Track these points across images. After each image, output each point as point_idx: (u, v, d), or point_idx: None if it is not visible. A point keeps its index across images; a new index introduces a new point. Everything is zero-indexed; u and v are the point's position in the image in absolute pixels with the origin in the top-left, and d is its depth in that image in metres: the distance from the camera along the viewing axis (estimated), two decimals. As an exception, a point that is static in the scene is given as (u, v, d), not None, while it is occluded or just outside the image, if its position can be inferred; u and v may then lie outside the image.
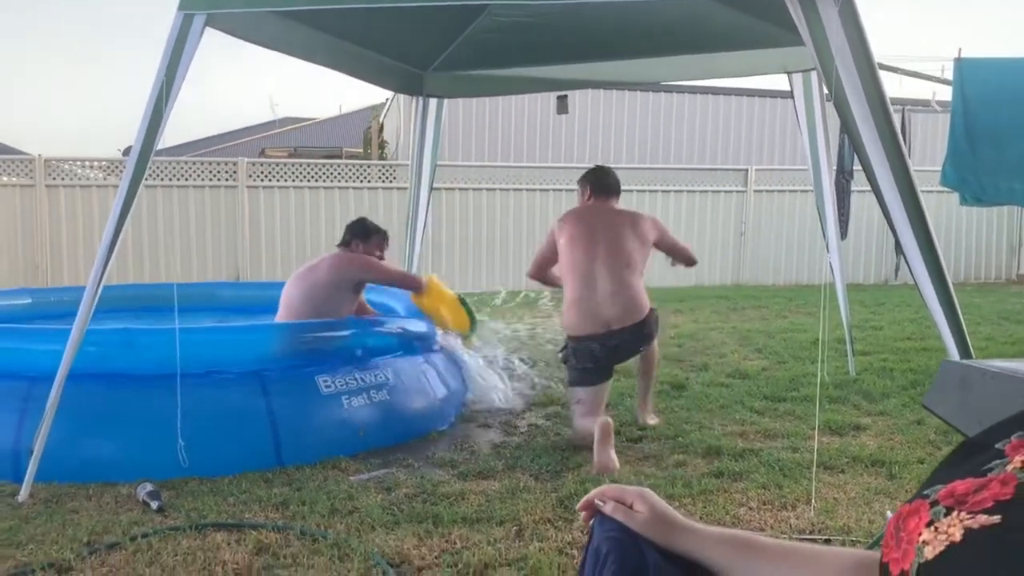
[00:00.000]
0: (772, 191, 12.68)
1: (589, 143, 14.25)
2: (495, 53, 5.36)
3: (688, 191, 12.51)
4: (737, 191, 12.65)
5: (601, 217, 4.20)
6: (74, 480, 3.31)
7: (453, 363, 5.06)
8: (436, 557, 2.64)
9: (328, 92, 40.39)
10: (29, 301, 6.28)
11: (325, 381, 3.95)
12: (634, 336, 4.04)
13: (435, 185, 11.74)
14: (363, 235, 4.63)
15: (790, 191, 12.53)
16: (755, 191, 12.64)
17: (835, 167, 5.64)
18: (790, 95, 5.25)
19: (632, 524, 1.17)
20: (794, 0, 2.77)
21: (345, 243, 4.65)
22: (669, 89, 14.31)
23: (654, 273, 12.72)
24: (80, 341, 3.24)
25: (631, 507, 1.20)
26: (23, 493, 3.12)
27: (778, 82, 5.55)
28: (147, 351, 3.77)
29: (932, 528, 0.77)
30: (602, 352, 3.99)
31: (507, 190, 11.98)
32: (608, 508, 1.20)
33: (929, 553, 0.76)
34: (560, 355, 4.27)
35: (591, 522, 1.22)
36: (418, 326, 4.77)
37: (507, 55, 5.44)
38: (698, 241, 12.46)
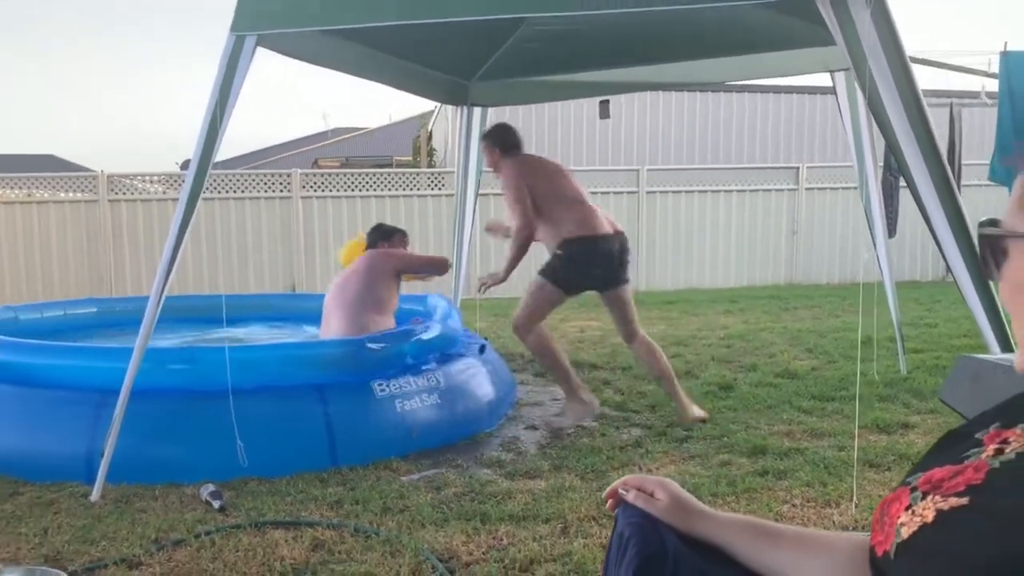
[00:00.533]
0: (824, 188, 12.52)
1: (636, 145, 14.26)
2: (537, 61, 5.45)
3: (739, 191, 12.42)
4: (788, 189, 12.51)
5: (549, 163, 4.73)
6: (142, 481, 3.48)
7: (502, 365, 5.18)
8: (483, 553, 2.74)
9: (378, 102, 41.03)
10: (95, 310, 6.58)
11: (380, 385, 4.08)
12: (624, 246, 4.46)
13: (481, 191, 11.89)
14: (386, 236, 5.15)
15: (843, 188, 12.36)
16: (807, 189, 12.50)
17: (882, 164, 5.58)
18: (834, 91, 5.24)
19: (652, 510, 1.25)
20: (825, 1, 2.80)
21: (372, 245, 5.10)
22: (713, 89, 14.22)
23: (704, 274, 12.61)
24: (143, 351, 3.42)
25: (652, 495, 1.28)
26: (95, 493, 3.30)
27: (825, 79, 5.53)
28: (208, 368, 3.93)
29: (910, 511, 0.84)
30: (619, 252, 4.41)
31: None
32: (630, 496, 1.28)
33: (905, 533, 0.82)
34: (559, 255, 4.41)
35: (616, 510, 1.30)
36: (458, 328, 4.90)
37: (549, 62, 5.53)
38: (749, 240, 12.39)
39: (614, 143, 14.25)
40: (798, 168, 12.61)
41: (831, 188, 12.51)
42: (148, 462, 3.59)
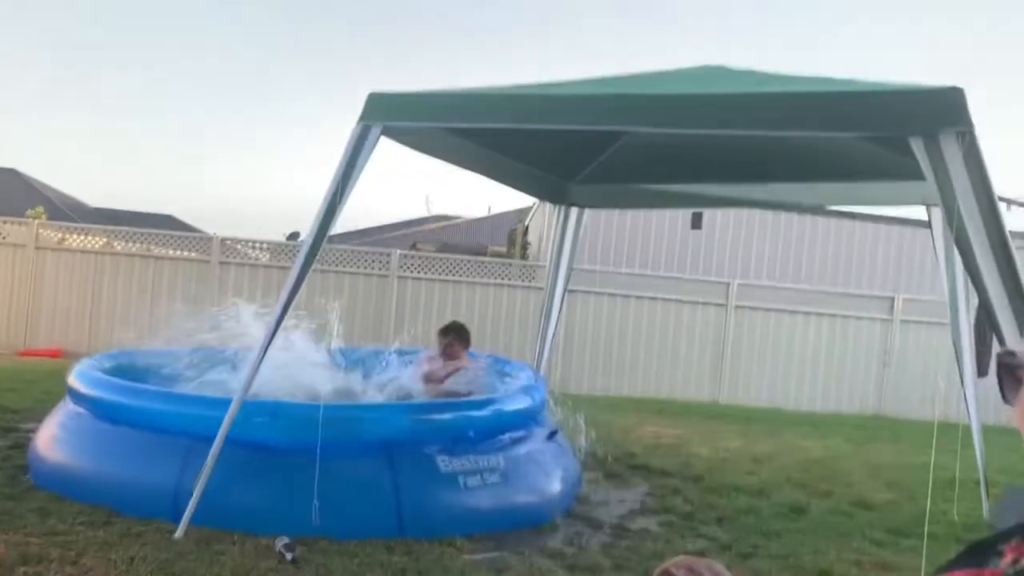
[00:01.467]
0: (920, 322, 12.24)
1: (728, 258, 14.30)
2: (636, 169, 5.68)
3: (830, 315, 12.27)
4: (882, 319, 12.29)
5: None
6: (222, 526, 3.67)
7: (570, 457, 5.23)
8: (536, 637, 2.79)
9: (479, 193, 42.22)
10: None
11: (444, 460, 4.21)
12: None
13: (571, 287, 12.08)
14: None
15: (939, 323, 12.05)
16: (902, 320, 12.26)
17: (978, 302, 5.51)
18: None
19: (700, 593, 1.34)
20: (918, 140, 2.93)
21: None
22: (812, 212, 14.21)
23: (789, 395, 12.33)
24: (240, 403, 3.67)
25: (702, 577, 1.38)
26: (180, 531, 3.51)
27: (923, 211, 5.56)
28: (288, 422, 4.15)
29: None
30: None
31: (639, 297, 12.16)
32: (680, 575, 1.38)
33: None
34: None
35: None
36: (532, 410, 4.97)
37: (647, 172, 5.75)
38: (839, 366, 12.16)
39: (706, 253, 14.33)
40: (893, 298, 12.40)
41: (927, 322, 12.22)
42: (229, 509, 3.79)
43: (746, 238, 14.43)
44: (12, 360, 10.24)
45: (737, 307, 12.20)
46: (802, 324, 12.23)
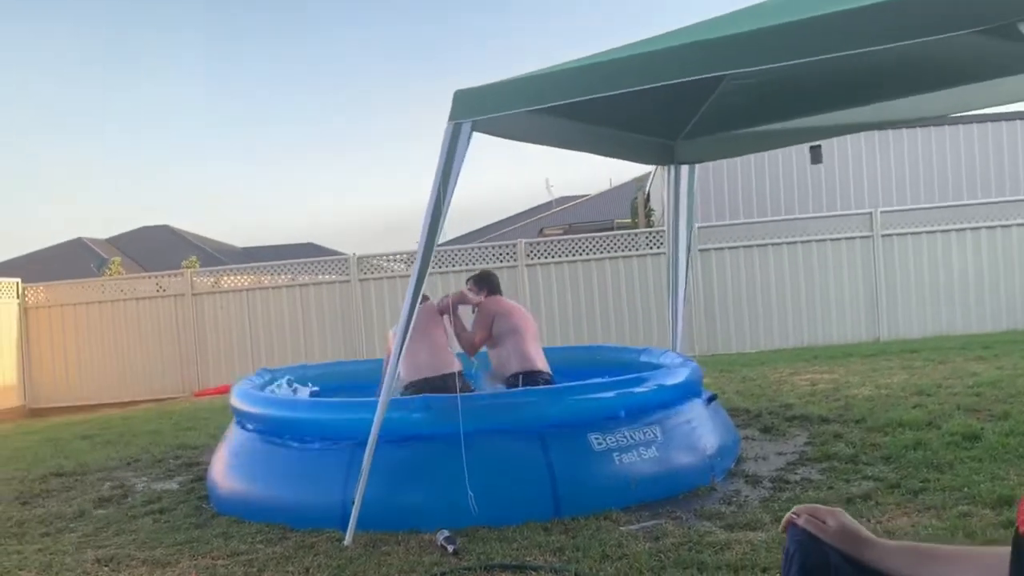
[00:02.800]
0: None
1: (853, 188, 13.60)
2: (742, 113, 5.48)
3: (988, 227, 11.42)
4: (1046, 221, 11.34)
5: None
6: (387, 528, 3.85)
7: (727, 419, 5.15)
8: (699, 599, 2.77)
9: (599, 168, 42.02)
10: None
11: (596, 439, 4.23)
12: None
13: (703, 246, 11.83)
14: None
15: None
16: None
17: None
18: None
19: (821, 535, 1.32)
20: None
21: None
22: (936, 123, 13.30)
23: (955, 320, 11.66)
24: (384, 411, 3.82)
25: (823, 522, 1.35)
26: (348, 539, 3.70)
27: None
28: (441, 413, 4.29)
29: None
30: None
31: (777, 244, 11.73)
32: (801, 520, 1.36)
33: None
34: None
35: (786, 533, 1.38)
36: (687, 381, 4.92)
37: (754, 113, 5.53)
38: (1006, 281, 11.32)
39: (828, 187, 13.66)
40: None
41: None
42: (392, 511, 3.96)
43: (869, 164, 13.68)
44: (190, 401, 11.09)
45: (883, 236, 11.57)
46: (956, 242, 11.47)
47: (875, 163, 13.66)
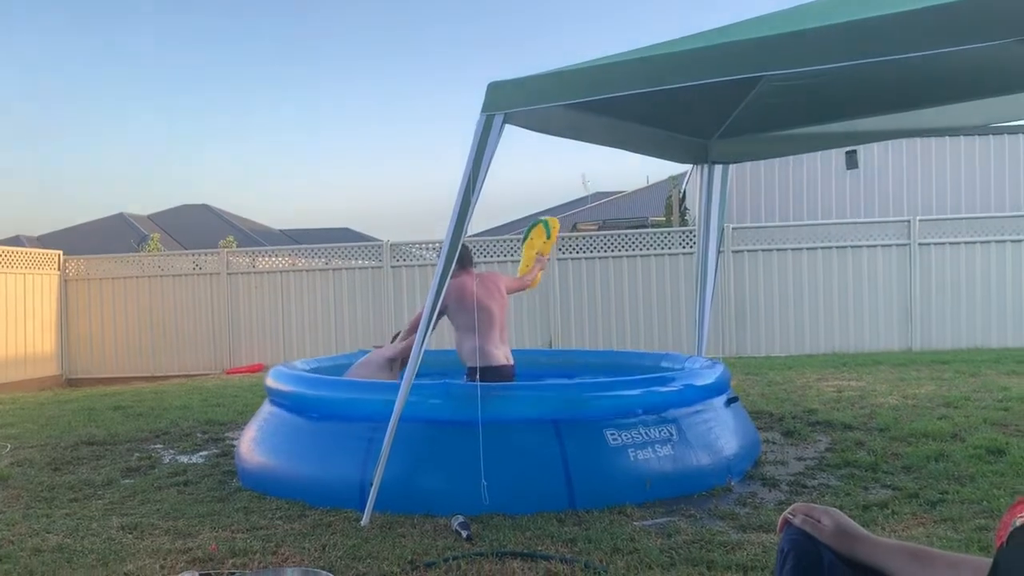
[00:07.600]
0: None
1: (892, 196, 13.41)
2: (778, 115, 5.45)
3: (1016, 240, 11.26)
4: (1091, 236, 11.11)
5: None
6: (403, 511, 3.91)
7: (747, 421, 5.14)
8: (705, 597, 2.80)
9: (636, 165, 41.82)
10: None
11: (612, 435, 4.25)
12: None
13: (736, 248, 11.75)
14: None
15: None
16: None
17: None
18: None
19: (817, 534, 1.34)
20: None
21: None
22: (980, 132, 13.06)
23: (990, 333, 11.49)
24: (407, 394, 3.88)
25: (819, 521, 1.37)
26: (365, 519, 3.77)
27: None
28: (460, 401, 4.34)
29: None
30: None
31: (811, 249, 11.63)
32: (797, 520, 1.38)
33: (1019, 522, 0.91)
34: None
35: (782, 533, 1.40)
36: (708, 381, 4.92)
37: (790, 116, 5.50)
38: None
39: (864, 193, 13.48)
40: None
41: None
42: (409, 494, 4.02)
43: (909, 171, 13.48)
44: (220, 378, 11.28)
45: (920, 244, 11.41)
46: (996, 253, 11.28)
47: (912, 171, 13.46)
